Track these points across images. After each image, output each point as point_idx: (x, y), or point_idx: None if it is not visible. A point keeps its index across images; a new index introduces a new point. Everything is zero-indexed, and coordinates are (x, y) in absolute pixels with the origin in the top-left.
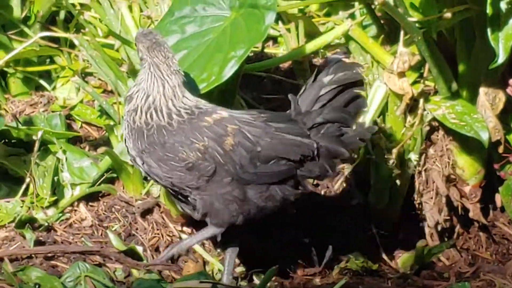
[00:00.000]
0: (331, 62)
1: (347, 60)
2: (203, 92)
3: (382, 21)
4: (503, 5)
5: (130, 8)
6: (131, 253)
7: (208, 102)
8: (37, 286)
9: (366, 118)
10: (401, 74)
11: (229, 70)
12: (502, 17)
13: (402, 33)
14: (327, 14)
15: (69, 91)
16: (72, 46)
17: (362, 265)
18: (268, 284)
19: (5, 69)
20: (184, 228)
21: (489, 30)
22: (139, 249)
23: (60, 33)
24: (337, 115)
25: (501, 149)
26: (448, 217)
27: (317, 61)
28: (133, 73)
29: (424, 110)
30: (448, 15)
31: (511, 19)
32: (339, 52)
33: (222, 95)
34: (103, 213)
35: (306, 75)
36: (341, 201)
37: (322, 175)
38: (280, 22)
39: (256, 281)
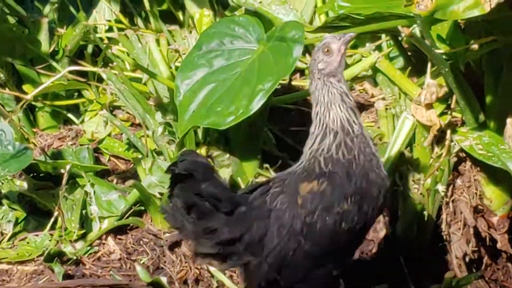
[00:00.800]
0: None
1: None
2: (232, 125)
3: (409, 53)
4: None
5: (157, 41)
6: (158, 286)
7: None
8: None
9: (394, 149)
10: (429, 106)
11: (257, 103)
12: None
13: (429, 64)
14: (354, 46)
15: (97, 125)
16: (100, 80)
17: None
18: None
19: (34, 103)
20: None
21: None
22: (164, 280)
23: (88, 67)
24: None
25: None
26: (476, 248)
27: None
28: (160, 106)
29: (452, 141)
30: (475, 46)
31: None
32: None
33: (250, 128)
34: (131, 246)
35: None
36: (369, 233)
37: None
38: (307, 55)
39: None
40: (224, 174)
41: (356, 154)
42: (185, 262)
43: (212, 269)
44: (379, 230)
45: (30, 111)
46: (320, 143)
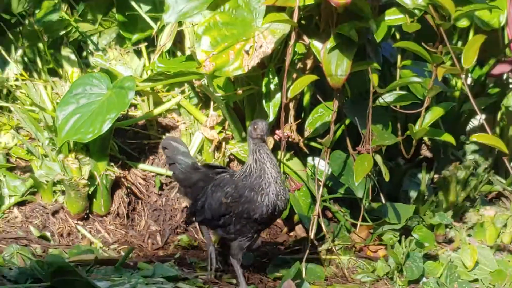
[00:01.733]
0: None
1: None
2: (91, 140)
3: (200, 95)
4: (272, 86)
5: (45, 88)
6: (45, 238)
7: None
8: None
9: (191, 153)
10: (212, 127)
11: (106, 126)
12: (271, 93)
13: (212, 102)
14: (168, 90)
15: (8, 139)
16: (10, 111)
17: (188, 242)
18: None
19: None
20: (79, 222)
21: (264, 101)
22: (48, 234)
23: (2, 103)
24: None
25: None
26: None
27: (162, 120)
28: (47, 128)
29: (226, 149)
30: (240, 91)
31: (277, 94)
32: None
33: (102, 141)
34: (28, 213)
35: (154, 129)
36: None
37: None
38: (138, 96)
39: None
40: (86, 169)
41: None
42: (62, 223)
43: (79, 227)
44: (181, 202)
45: None
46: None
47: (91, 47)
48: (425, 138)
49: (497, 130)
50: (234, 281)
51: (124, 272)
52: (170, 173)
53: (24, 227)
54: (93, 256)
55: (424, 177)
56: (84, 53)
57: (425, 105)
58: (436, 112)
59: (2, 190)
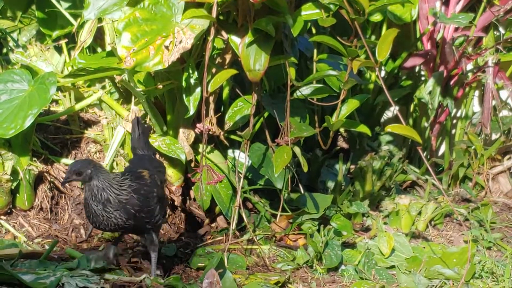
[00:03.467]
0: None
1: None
2: (13, 135)
3: (121, 90)
4: (192, 81)
5: None
6: None
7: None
8: None
9: (113, 148)
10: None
11: (28, 122)
12: (191, 87)
13: (133, 97)
14: (89, 86)
15: None
16: None
17: (112, 235)
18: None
19: None
20: (3, 217)
21: (184, 95)
22: None
23: None
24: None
25: (192, 165)
26: None
27: (84, 115)
28: None
29: None
30: (160, 86)
31: (197, 89)
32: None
33: (24, 136)
34: None
35: (76, 124)
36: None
37: None
38: (59, 92)
39: None
40: (8, 164)
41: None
42: None
43: (2, 222)
44: None
45: None
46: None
47: (11, 44)
48: (342, 130)
49: (410, 121)
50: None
51: (49, 265)
52: None
53: None
54: (17, 250)
55: (341, 168)
56: (4, 50)
57: (341, 97)
58: (352, 104)
59: None
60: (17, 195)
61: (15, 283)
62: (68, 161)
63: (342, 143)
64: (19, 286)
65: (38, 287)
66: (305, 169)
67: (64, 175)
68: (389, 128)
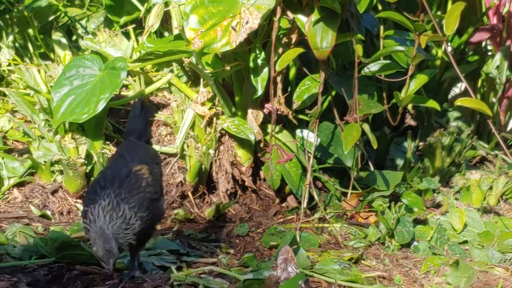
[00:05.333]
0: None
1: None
2: (86, 120)
3: (189, 73)
4: (259, 61)
5: (39, 71)
6: (46, 217)
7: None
8: None
9: (183, 130)
10: (203, 104)
11: (100, 106)
12: (258, 68)
13: (201, 80)
14: (157, 70)
15: (4, 122)
16: (4, 95)
17: (185, 216)
18: None
19: None
20: (78, 200)
21: (251, 76)
22: (49, 213)
23: None
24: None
25: (262, 145)
26: (233, 186)
27: (153, 98)
28: (42, 110)
29: (216, 124)
30: (228, 68)
31: (264, 69)
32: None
33: (97, 121)
34: (28, 194)
35: None
36: (171, 179)
37: None
38: (129, 76)
39: None
40: (83, 148)
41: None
42: (61, 202)
43: (78, 205)
44: (176, 177)
45: None
46: None
47: (80, 31)
48: (409, 107)
49: (478, 97)
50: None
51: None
52: (164, 149)
53: (25, 207)
54: None
55: (409, 145)
56: (74, 37)
57: (410, 73)
58: (421, 79)
59: (1, 172)
60: (92, 178)
61: (93, 262)
62: None
63: (410, 121)
64: (97, 265)
65: (116, 266)
66: (375, 145)
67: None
68: (458, 102)
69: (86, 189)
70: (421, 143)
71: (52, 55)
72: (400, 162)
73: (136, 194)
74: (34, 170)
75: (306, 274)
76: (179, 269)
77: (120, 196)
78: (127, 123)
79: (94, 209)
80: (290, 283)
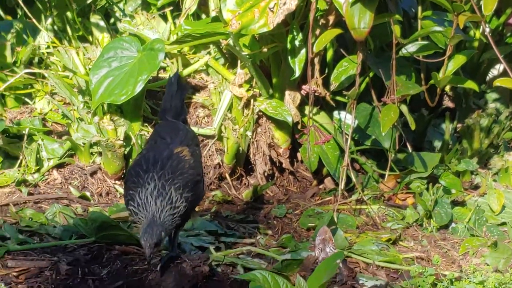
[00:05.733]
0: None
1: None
2: (124, 101)
3: (227, 55)
4: (297, 43)
5: (77, 54)
6: (85, 198)
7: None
8: (30, 219)
9: (221, 112)
10: (240, 85)
11: (139, 88)
12: (296, 49)
13: (239, 61)
14: (194, 52)
15: (43, 104)
16: (43, 77)
17: (222, 198)
18: None
19: (4, 92)
20: (117, 182)
21: (289, 57)
22: (88, 194)
23: (36, 70)
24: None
25: (299, 126)
26: (271, 168)
27: (191, 80)
28: (81, 92)
29: (254, 106)
30: (265, 49)
31: (302, 50)
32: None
33: (135, 102)
34: (67, 175)
35: None
36: (209, 161)
37: None
38: (167, 58)
39: None
40: (121, 130)
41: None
42: (100, 183)
43: (117, 186)
44: (213, 159)
45: (2, 97)
46: None
47: (118, 13)
48: (447, 89)
49: None
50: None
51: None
52: (202, 131)
53: (64, 188)
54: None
55: (447, 127)
56: (112, 20)
57: (448, 53)
58: (459, 60)
59: (41, 154)
60: (130, 160)
61: (133, 242)
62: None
63: (447, 102)
64: (136, 245)
65: None
66: (413, 126)
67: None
68: (497, 83)
69: (126, 171)
70: (459, 125)
71: (90, 38)
72: (438, 144)
73: (180, 175)
74: (73, 152)
75: (344, 254)
76: (217, 249)
77: (164, 177)
78: (163, 101)
79: (141, 193)
80: (328, 261)
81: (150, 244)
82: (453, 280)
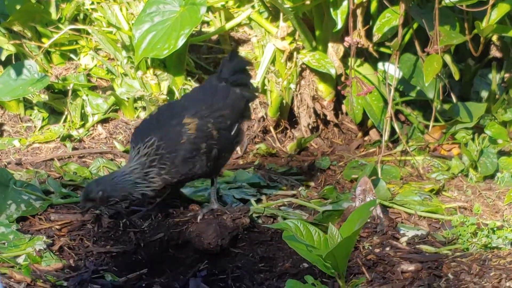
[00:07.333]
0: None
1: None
2: (168, 55)
3: (270, 8)
4: None
5: (120, 9)
6: (128, 152)
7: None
8: (74, 173)
9: (264, 65)
10: (283, 38)
11: (181, 42)
12: (338, 1)
13: (281, 14)
14: (238, 6)
15: (88, 60)
16: (87, 33)
17: (267, 151)
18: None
19: (50, 49)
20: None
21: (331, 9)
22: None
23: (81, 26)
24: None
25: (343, 78)
26: (315, 120)
27: (234, 34)
28: (124, 47)
29: (297, 58)
30: (308, 2)
31: (344, 2)
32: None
33: (178, 57)
34: (112, 130)
35: (227, 43)
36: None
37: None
38: (210, 12)
39: None
40: (164, 84)
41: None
42: None
43: None
44: (257, 112)
45: (48, 54)
46: None
47: None
48: (494, 38)
49: None
50: (312, 184)
51: (206, 179)
52: None
53: (109, 143)
54: None
55: (494, 77)
56: None
57: (491, 2)
58: (503, 8)
59: (86, 109)
60: None
61: (175, 197)
62: None
63: (494, 52)
64: (179, 199)
65: (197, 199)
66: (457, 77)
67: None
68: None
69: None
70: (506, 75)
71: None
72: (484, 94)
73: (169, 153)
74: (117, 107)
75: (386, 205)
76: (258, 201)
77: (156, 152)
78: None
79: (133, 150)
80: (361, 210)
81: (83, 196)
82: (495, 229)
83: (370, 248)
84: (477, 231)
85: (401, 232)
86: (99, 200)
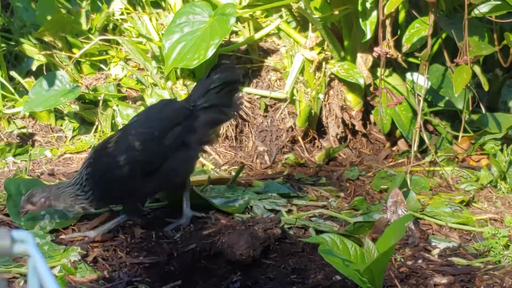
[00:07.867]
0: (220, 66)
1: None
2: (197, 66)
3: (298, 18)
4: (368, 5)
5: (150, 19)
6: None
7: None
8: None
9: (292, 75)
10: (311, 49)
11: (210, 52)
12: (367, 11)
13: (310, 25)
14: (266, 16)
15: (118, 70)
16: (117, 43)
17: (295, 161)
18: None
19: (80, 59)
20: None
21: (360, 20)
22: None
23: (111, 36)
24: (220, 101)
25: (371, 89)
26: (343, 130)
27: (263, 44)
28: (154, 57)
29: (326, 68)
30: (336, 12)
31: (373, 12)
32: (226, 59)
33: (208, 66)
34: None
35: (256, 53)
36: (281, 124)
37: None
38: (238, 22)
39: None
40: None
41: None
42: None
43: None
44: (286, 122)
45: (78, 64)
46: None
47: None
48: None
49: None
50: (341, 194)
51: (237, 189)
52: (274, 94)
53: None
54: (206, 176)
55: None
56: None
57: None
58: None
59: (116, 119)
60: None
61: (206, 207)
62: (250, 89)
63: None
64: (210, 209)
65: (228, 209)
66: (486, 87)
67: None
68: None
69: None
70: None
71: (163, 3)
72: None
73: (98, 169)
74: None
75: (417, 216)
76: (289, 212)
77: (88, 167)
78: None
79: (92, 152)
80: (398, 223)
81: (25, 197)
82: None
83: (403, 260)
84: (508, 243)
85: (433, 244)
86: (39, 206)
